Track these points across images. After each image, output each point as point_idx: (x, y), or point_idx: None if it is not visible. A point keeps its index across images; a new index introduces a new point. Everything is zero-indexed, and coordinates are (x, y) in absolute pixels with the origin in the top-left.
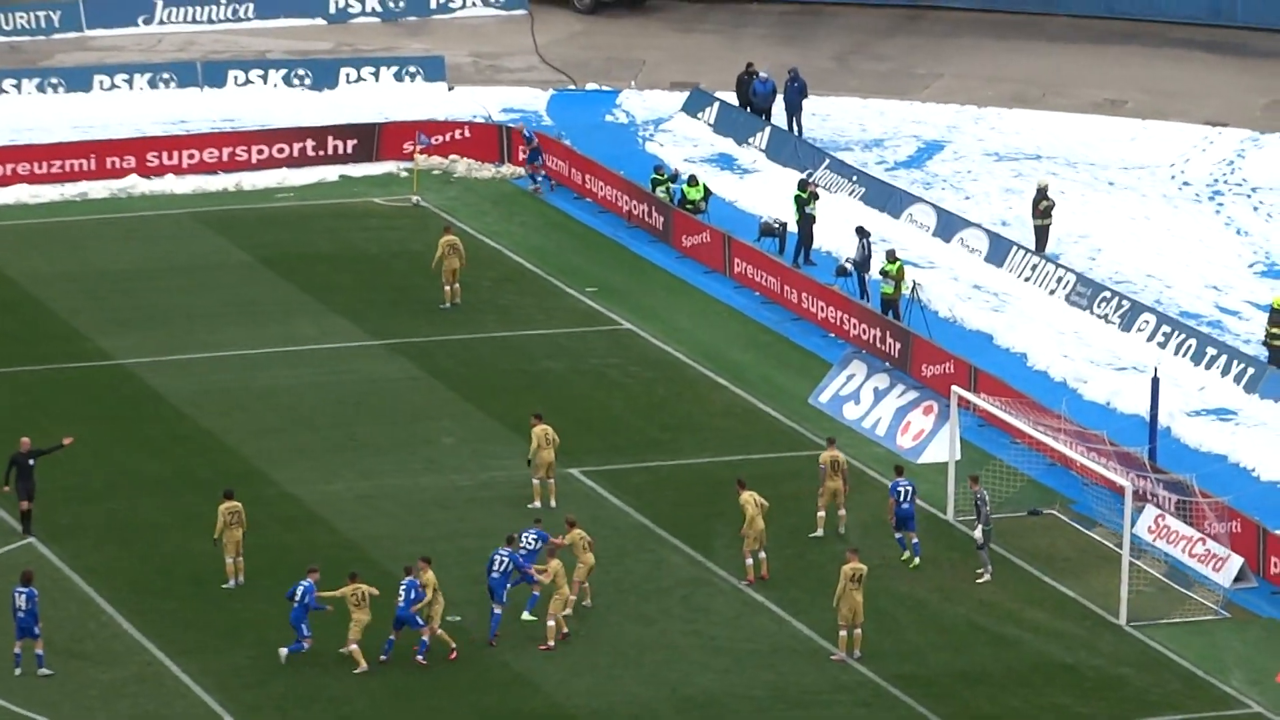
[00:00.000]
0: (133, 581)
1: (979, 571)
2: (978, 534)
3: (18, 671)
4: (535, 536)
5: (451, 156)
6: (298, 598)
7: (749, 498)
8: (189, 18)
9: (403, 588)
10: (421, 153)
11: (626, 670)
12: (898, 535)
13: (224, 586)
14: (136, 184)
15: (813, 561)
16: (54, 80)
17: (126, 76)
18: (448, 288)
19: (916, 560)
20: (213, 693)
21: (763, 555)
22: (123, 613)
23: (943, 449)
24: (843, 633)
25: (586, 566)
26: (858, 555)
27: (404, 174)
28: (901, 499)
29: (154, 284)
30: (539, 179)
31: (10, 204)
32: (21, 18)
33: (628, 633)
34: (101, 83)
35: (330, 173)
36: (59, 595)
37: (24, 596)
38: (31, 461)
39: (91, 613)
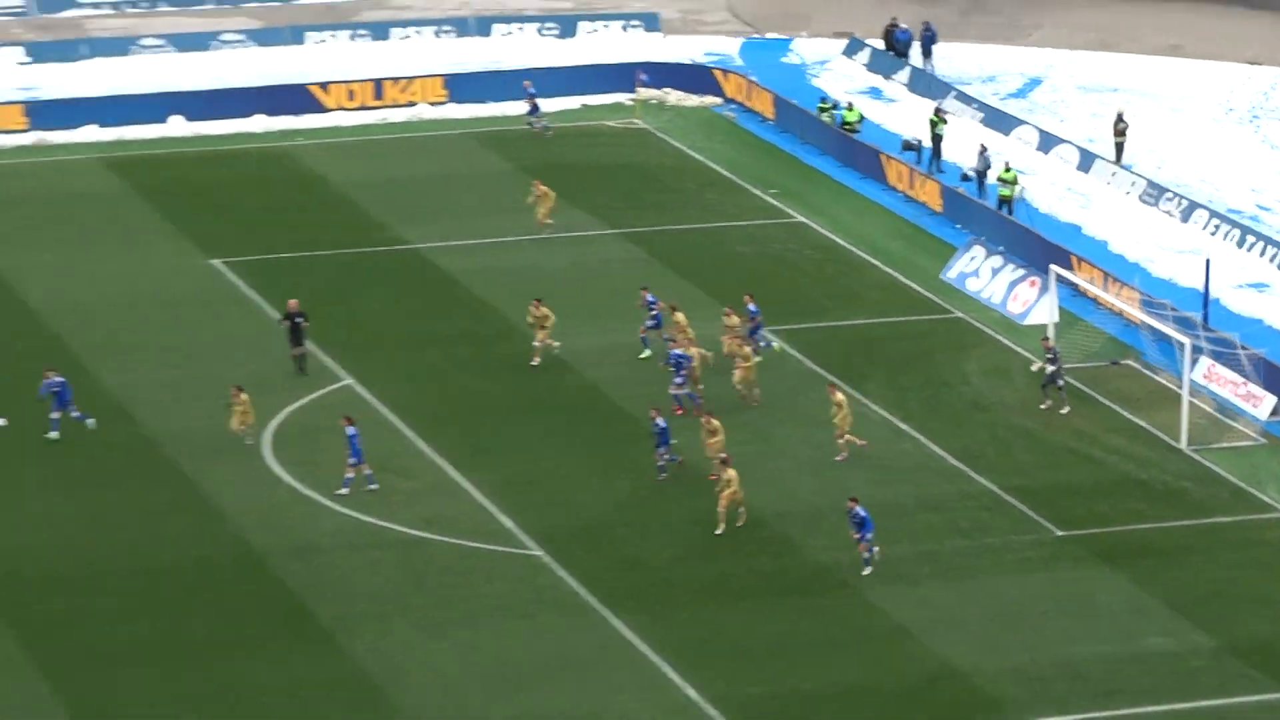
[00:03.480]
0: (428, 413)
1: (1060, 410)
2: (1059, 380)
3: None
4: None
5: (665, 89)
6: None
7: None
8: None
9: None
10: (643, 86)
11: (802, 481)
12: None
13: (247, 442)
14: (424, 111)
15: (944, 401)
16: (361, 32)
17: (417, 30)
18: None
19: None
20: (491, 499)
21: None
22: (420, 436)
23: (1044, 313)
24: (842, 441)
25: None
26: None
27: (629, 103)
28: None
29: (440, 189)
30: (538, 125)
31: (327, 126)
32: None
33: (801, 454)
34: (398, 34)
35: (573, 102)
36: (371, 425)
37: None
38: (299, 320)
39: (396, 438)
